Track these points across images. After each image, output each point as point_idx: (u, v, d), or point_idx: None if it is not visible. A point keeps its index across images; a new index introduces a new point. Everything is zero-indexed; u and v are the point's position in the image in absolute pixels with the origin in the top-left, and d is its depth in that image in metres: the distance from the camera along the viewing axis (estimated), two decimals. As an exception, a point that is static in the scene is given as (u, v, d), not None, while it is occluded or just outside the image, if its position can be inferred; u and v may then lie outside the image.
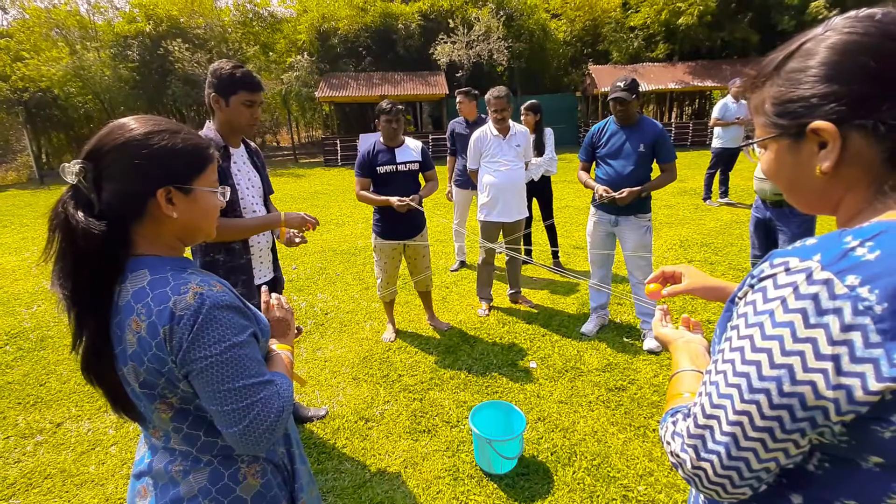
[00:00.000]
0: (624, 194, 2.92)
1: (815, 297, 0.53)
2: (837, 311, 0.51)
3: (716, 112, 7.05)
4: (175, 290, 0.82)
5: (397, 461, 2.29)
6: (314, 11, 19.96)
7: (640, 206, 3.02)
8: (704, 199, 7.36)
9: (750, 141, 0.72)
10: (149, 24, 18.99)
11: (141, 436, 1.00)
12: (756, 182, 3.15)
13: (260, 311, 1.17)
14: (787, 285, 0.55)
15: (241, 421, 0.83)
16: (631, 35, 19.43)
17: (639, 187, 2.93)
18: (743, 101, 6.99)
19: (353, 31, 19.33)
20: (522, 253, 4.11)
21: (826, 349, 0.51)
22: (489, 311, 3.85)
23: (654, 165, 3.07)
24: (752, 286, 0.61)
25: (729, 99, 6.97)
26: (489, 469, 2.16)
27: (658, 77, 17.53)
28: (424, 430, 2.49)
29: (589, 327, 3.40)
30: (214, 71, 1.95)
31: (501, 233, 3.73)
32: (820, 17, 15.76)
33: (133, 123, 0.86)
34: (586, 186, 3.20)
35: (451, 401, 2.73)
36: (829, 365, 0.51)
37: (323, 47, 19.75)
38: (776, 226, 3.08)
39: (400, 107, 3.19)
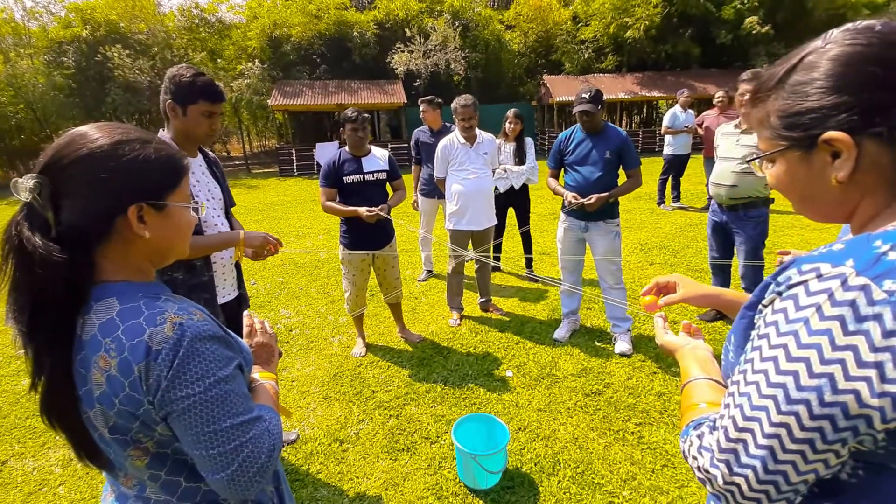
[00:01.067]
0: (592, 200, 2.96)
1: (852, 304, 0.52)
2: (878, 317, 0.50)
3: (666, 121, 7.39)
4: (150, 321, 0.72)
5: (377, 483, 2.18)
6: (265, 18, 19.48)
7: (608, 211, 3.08)
8: (659, 204, 7.67)
9: (758, 154, 0.71)
10: (86, 28, 17.89)
11: (105, 483, 0.88)
12: (712, 187, 3.29)
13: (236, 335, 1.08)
14: (821, 292, 0.54)
15: (229, 465, 0.74)
16: (582, 47, 20.19)
17: (606, 193, 2.98)
18: (690, 111, 7.38)
19: (307, 39, 19.00)
20: (491, 261, 4.10)
21: (868, 356, 0.50)
22: (461, 320, 3.80)
23: (621, 172, 3.14)
24: (779, 293, 0.60)
25: (678, 108, 7.33)
26: (474, 485, 2.10)
27: (608, 87, 18.27)
28: (403, 449, 2.40)
29: (561, 333, 3.42)
30: (173, 77, 1.80)
31: (470, 241, 3.71)
32: (754, 31, 17.04)
33: (96, 133, 0.75)
34: (555, 193, 3.24)
35: (429, 415, 2.65)
36: (872, 372, 0.50)
37: (275, 54, 19.29)
38: (732, 228, 3.23)
39: (366, 115, 3.11)
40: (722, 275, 3.49)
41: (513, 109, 4.49)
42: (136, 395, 0.71)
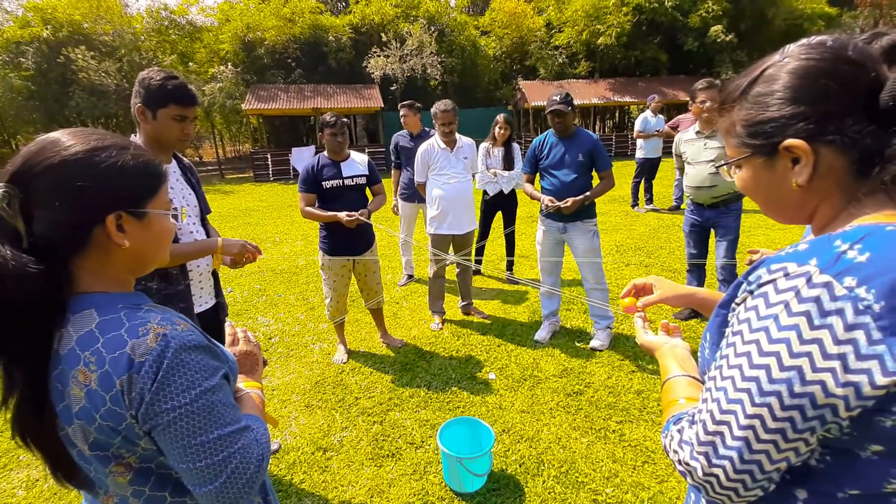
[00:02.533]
0: (568, 203, 3.02)
1: (817, 300, 0.55)
2: (839, 312, 0.54)
3: (637, 125, 7.59)
4: (132, 333, 0.70)
5: (362, 491, 2.16)
6: (238, 21, 19.19)
7: (585, 211, 3.15)
8: (633, 206, 7.86)
9: (725, 161, 0.77)
10: (46, 28, 17.20)
11: (83, 503, 0.85)
12: (691, 191, 3.41)
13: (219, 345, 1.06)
14: (788, 290, 0.58)
15: (217, 477, 0.72)
16: (555, 53, 20.57)
17: (581, 196, 3.05)
18: (660, 115, 7.60)
19: (281, 42, 18.79)
20: (473, 264, 4.12)
21: (832, 349, 0.54)
22: (442, 324, 3.81)
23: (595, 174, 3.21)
24: (751, 292, 0.63)
25: (648, 113, 7.54)
26: (460, 488, 2.10)
27: (582, 93, 18.66)
28: (388, 455, 2.38)
29: (542, 334, 3.46)
30: (142, 80, 1.76)
31: (451, 245, 3.72)
32: (719, 39, 17.67)
33: (69, 139, 0.73)
34: (532, 198, 3.29)
35: (413, 420, 2.64)
36: (836, 364, 0.54)
37: (248, 58, 18.99)
38: (714, 224, 3.39)
39: (345, 119, 3.09)
40: (698, 272, 3.61)
41: (502, 114, 4.52)
42: (118, 410, 0.69)
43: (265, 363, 1.15)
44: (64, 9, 17.89)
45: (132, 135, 1.89)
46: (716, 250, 3.44)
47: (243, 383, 0.97)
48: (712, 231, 3.49)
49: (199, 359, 0.73)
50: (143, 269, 0.84)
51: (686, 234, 3.58)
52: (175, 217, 0.88)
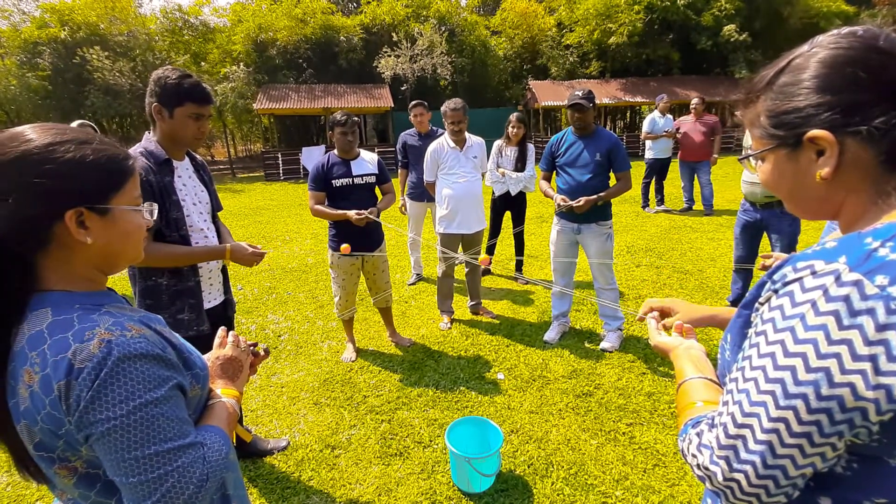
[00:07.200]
0: (581, 203, 2.99)
1: (846, 299, 0.53)
2: (870, 312, 0.52)
3: (645, 127, 7.51)
4: (78, 337, 0.68)
5: (370, 489, 2.16)
6: (250, 21, 19.34)
7: (600, 213, 3.11)
8: (643, 207, 7.78)
9: (748, 153, 0.74)
10: (63, 30, 17.51)
11: (55, 501, 0.85)
12: (745, 186, 3.31)
13: (212, 340, 1.05)
14: (815, 288, 0.56)
15: (151, 495, 0.70)
16: (566, 52, 20.46)
17: (595, 196, 3.01)
18: (668, 116, 7.51)
19: (293, 43, 18.91)
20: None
21: (863, 350, 0.52)
22: (451, 323, 3.80)
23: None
24: (775, 291, 0.61)
25: (656, 114, 7.46)
26: (468, 489, 2.09)
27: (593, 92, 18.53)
28: (396, 453, 2.38)
29: (551, 335, 3.44)
30: (158, 79, 1.77)
31: (461, 245, 3.71)
32: (732, 38, 17.44)
33: (31, 133, 0.72)
34: (546, 195, 3.26)
35: (422, 419, 2.63)
36: (867, 365, 0.52)
37: (260, 58, 19.14)
38: (767, 225, 3.26)
39: (355, 118, 3.09)
40: (744, 274, 3.51)
41: (515, 113, 4.46)
42: (56, 415, 0.68)
43: (267, 353, 1.13)
44: (80, 10, 18.18)
45: (147, 132, 1.91)
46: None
47: (221, 390, 0.94)
48: (765, 235, 3.34)
49: (144, 368, 0.71)
50: (113, 267, 0.82)
51: (736, 236, 3.47)
52: (149, 212, 0.85)
